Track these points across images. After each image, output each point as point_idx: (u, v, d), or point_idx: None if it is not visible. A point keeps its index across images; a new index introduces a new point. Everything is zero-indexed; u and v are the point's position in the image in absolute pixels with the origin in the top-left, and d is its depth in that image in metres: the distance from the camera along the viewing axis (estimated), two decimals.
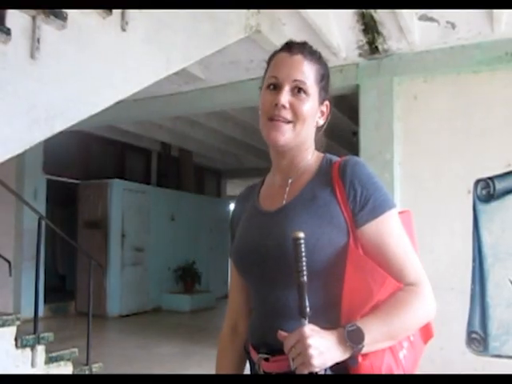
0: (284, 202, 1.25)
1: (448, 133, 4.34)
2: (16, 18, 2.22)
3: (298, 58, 1.23)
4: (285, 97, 1.20)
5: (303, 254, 1.05)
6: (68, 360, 4.51)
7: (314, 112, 1.24)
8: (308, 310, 1.04)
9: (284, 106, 1.20)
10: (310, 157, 1.29)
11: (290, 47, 1.25)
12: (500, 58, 4.13)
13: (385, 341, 1.10)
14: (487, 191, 4.16)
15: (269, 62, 1.30)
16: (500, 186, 4.12)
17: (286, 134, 1.21)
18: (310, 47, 1.28)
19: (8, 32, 2.16)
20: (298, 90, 1.21)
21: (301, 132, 1.22)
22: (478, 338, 4.13)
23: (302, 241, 1.05)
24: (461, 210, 4.23)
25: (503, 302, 4.07)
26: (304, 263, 1.05)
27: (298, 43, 1.27)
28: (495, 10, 3.69)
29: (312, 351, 1.00)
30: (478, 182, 4.20)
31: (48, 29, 2.35)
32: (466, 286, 4.18)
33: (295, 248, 1.05)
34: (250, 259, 1.25)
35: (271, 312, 1.20)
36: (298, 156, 1.27)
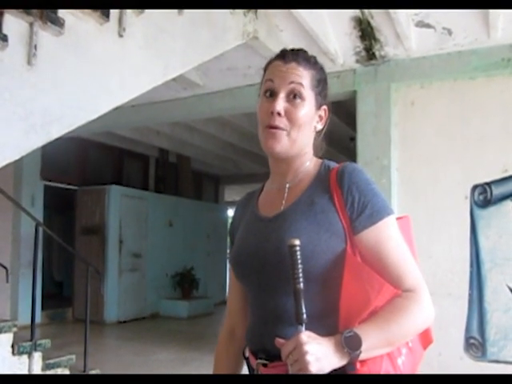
0: (282, 207, 1.25)
1: (445, 138, 4.35)
2: (13, 25, 2.23)
3: (292, 65, 1.23)
4: (280, 104, 1.20)
5: (299, 261, 1.05)
6: (65, 367, 4.49)
7: (310, 117, 1.25)
8: (305, 316, 1.04)
9: (279, 114, 1.20)
10: (309, 163, 1.29)
11: (283, 55, 1.26)
12: (496, 64, 4.14)
13: (383, 347, 1.09)
14: (484, 196, 4.17)
15: (265, 70, 1.31)
16: (497, 191, 4.13)
17: (281, 142, 1.21)
18: (305, 53, 1.28)
19: (5, 38, 2.16)
20: (294, 95, 1.21)
21: (297, 139, 1.22)
22: (476, 344, 4.12)
23: (298, 248, 1.05)
24: (458, 216, 4.24)
25: (501, 308, 4.06)
26: (300, 270, 1.05)
27: (291, 51, 1.28)
28: (491, 17, 3.71)
29: (309, 357, 1.00)
30: (475, 187, 4.21)
31: (45, 35, 2.35)
32: (463, 291, 4.18)
33: (291, 255, 1.06)
34: (248, 265, 1.25)
35: (269, 318, 1.20)
36: (295, 161, 1.27)
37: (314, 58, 1.30)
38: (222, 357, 1.41)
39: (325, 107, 1.30)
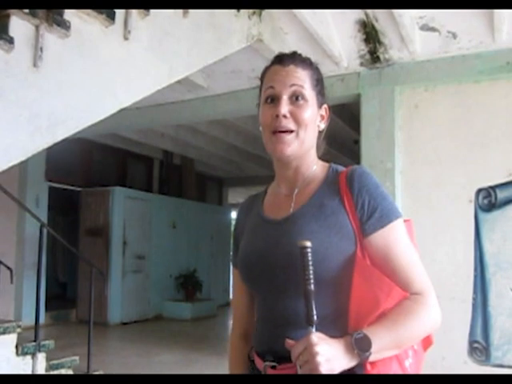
0: (291, 210, 1.25)
1: (449, 142, 4.34)
2: (19, 27, 2.24)
3: (291, 67, 1.24)
4: (284, 107, 1.21)
5: (310, 262, 1.06)
6: (69, 368, 4.50)
7: (314, 117, 1.25)
8: (315, 317, 1.05)
9: (285, 116, 1.20)
10: (316, 166, 1.29)
11: (280, 59, 1.27)
12: (501, 68, 4.13)
13: (391, 349, 1.10)
14: (489, 200, 4.15)
15: (262, 77, 1.32)
16: (501, 195, 4.11)
17: (291, 145, 1.21)
18: (300, 55, 1.29)
19: (11, 41, 2.17)
20: (296, 97, 1.22)
21: (305, 139, 1.23)
22: (480, 348, 4.10)
23: (309, 249, 1.06)
24: (462, 220, 4.22)
25: (505, 312, 4.05)
26: (311, 271, 1.06)
27: (287, 54, 1.29)
28: (496, 20, 3.70)
29: (319, 358, 1.00)
30: (479, 191, 4.19)
31: (51, 37, 2.36)
32: (467, 295, 4.17)
33: (302, 257, 1.06)
34: (257, 268, 1.25)
35: (279, 320, 1.20)
36: (303, 165, 1.28)
37: (309, 58, 1.31)
38: (238, 362, 1.37)
39: (325, 106, 1.31)
